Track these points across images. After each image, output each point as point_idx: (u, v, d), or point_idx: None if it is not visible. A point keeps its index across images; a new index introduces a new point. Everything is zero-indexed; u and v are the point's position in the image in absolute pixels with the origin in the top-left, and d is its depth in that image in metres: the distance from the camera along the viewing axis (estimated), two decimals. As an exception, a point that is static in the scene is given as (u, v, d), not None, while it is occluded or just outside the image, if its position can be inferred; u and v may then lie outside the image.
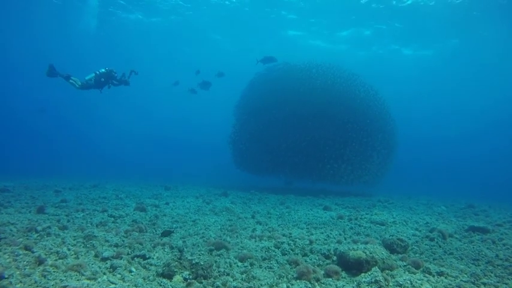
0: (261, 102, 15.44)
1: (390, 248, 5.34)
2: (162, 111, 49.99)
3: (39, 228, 5.85)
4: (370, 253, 4.59)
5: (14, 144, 38.60)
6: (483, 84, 34.71)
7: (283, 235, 6.22)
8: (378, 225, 7.49)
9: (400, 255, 5.15)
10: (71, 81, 10.20)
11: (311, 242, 5.71)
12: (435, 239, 6.25)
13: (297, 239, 5.89)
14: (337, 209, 9.76)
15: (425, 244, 5.93)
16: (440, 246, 5.83)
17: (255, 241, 5.87)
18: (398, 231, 6.93)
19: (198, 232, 6.33)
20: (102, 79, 10.31)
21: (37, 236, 5.49)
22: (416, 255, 5.28)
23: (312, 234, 6.42)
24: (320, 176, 14.40)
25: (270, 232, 6.48)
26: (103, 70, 10.33)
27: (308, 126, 14.08)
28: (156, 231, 6.26)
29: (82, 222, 6.59)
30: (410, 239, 6.24)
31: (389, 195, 14.76)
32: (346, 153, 13.89)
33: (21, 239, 5.19)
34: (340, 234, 6.48)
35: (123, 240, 5.45)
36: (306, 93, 14.17)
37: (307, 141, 14.13)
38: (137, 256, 4.70)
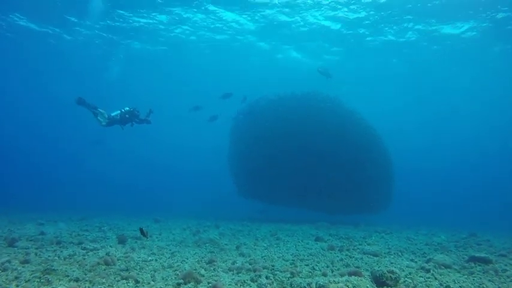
0: (252, 133, 15.31)
1: (379, 280, 4.81)
2: (174, 140, 49.43)
3: (-3, 262, 5.41)
4: (353, 286, 4.10)
5: (15, 179, 38.25)
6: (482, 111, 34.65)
7: (264, 267, 5.70)
8: (370, 256, 6.94)
9: (389, 289, 4.63)
10: (98, 117, 10.49)
11: (293, 275, 5.20)
12: (431, 271, 5.70)
13: (278, 272, 5.38)
14: (329, 240, 9.19)
15: (420, 276, 5.39)
16: (436, 279, 5.28)
17: (232, 274, 5.36)
18: (391, 263, 6.38)
19: (172, 265, 5.83)
20: (127, 116, 10.71)
21: (-9, 272, 5.04)
22: (409, 288, 4.76)
23: (296, 266, 5.90)
24: (315, 206, 14.04)
25: (250, 264, 5.96)
26: (127, 108, 10.76)
27: (301, 158, 13.90)
28: (127, 264, 5.76)
29: (49, 256, 6.12)
30: (403, 271, 5.69)
31: (389, 225, 14.09)
32: (341, 183, 13.55)
33: (-29, 275, 4.74)
34: (327, 267, 5.95)
35: (85, 274, 4.97)
36: (294, 124, 14.11)
37: (301, 172, 13.87)
38: (94, 292, 4.23)
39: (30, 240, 7.78)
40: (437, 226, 15.51)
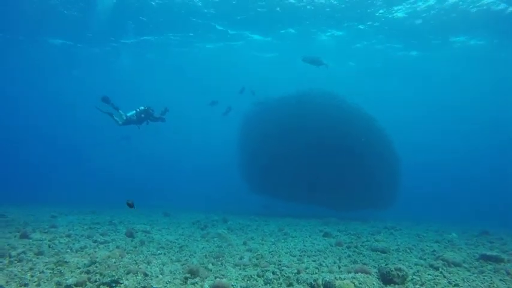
0: (262, 130, 15.41)
1: (386, 278, 4.79)
2: (182, 136, 49.60)
3: (13, 253, 5.58)
4: (359, 283, 4.10)
5: (30, 173, 39.10)
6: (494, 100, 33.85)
7: (271, 263, 5.74)
8: (378, 253, 6.90)
9: (396, 286, 4.61)
10: (115, 117, 10.91)
11: (299, 271, 5.21)
12: (440, 268, 5.65)
13: (285, 267, 5.40)
14: (338, 236, 9.16)
15: (428, 274, 5.34)
16: (444, 277, 5.23)
17: (239, 269, 5.41)
18: (400, 260, 6.34)
19: (180, 259, 5.91)
20: (142, 115, 11.03)
21: (7, 262, 5.19)
22: (416, 286, 4.73)
23: (303, 262, 5.91)
24: (323, 202, 14.14)
25: (257, 260, 6.00)
26: (142, 108, 11.09)
27: (309, 154, 13.99)
28: (136, 257, 5.86)
29: (62, 248, 6.26)
30: (411, 268, 5.65)
31: (399, 222, 14.00)
32: (347, 179, 13.67)
33: (-13, 265, 4.90)
34: (334, 263, 5.94)
35: (96, 267, 5.08)
36: (302, 120, 14.27)
37: (308, 168, 13.99)
38: (104, 284, 4.32)
39: (44, 233, 7.97)
40: (449, 223, 15.34)
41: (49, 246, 6.38)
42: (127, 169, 42.66)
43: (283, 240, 8.24)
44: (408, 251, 7.28)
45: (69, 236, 7.56)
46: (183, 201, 22.80)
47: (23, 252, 5.71)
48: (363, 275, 4.36)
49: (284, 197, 15.56)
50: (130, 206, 5.32)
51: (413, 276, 5.12)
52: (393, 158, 14.95)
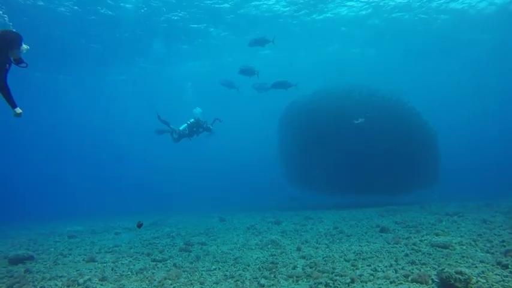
0: (307, 120, 15.35)
1: (446, 283, 4.50)
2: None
3: (80, 281, 6.03)
4: (416, 296, 3.89)
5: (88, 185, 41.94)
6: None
7: (324, 272, 5.64)
8: (439, 249, 6.48)
9: (459, 294, 4.31)
10: (174, 135, 11.29)
11: (353, 280, 5.07)
12: (509, 266, 5.18)
13: (338, 277, 5.29)
14: (395, 230, 8.77)
15: (496, 274, 4.92)
16: (515, 276, 4.79)
17: (292, 281, 5.40)
18: (463, 256, 5.91)
19: (234, 274, 6.02)
20: (194, 128, 11.29)
21: (76, 291, 5.65)
22: (482, 290, 4.38)
23: (357, 268, 5.74)
24: (372, 190, 14.04)
25: (311, 268, 5.94)
26: (192, 120, 11.34)
27: (354, 141, 13.84)
28: (191, 276, 6.08)
29: (123, 270, 6.67)
30: (476, 268, 5.24)
31: (463, 203, 13.07)
32: (395, 162, 13.96)
33: (58, 296, 5.37)
34: (390, 266, 5.70)
35: (154, 291, 5.36)
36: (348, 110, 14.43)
37: (355, 156, 13.89)
38: (161, 311, 4.54)
39: (109, 252, 8.59)
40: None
41: (112, 269, 6.82)
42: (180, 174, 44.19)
43: (338, 241, 8.07)
44: (473, 243, 6.76)
45: (130, 255, 8.02)
46: (238, 202, 23.25)
47: (89, 279, 6.12)
48: (418, 285, 4.12)
49: (332, 190, 15.44)
50: (139, 226, 6.92)
51: (478, 279, 4.73)
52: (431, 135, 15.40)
